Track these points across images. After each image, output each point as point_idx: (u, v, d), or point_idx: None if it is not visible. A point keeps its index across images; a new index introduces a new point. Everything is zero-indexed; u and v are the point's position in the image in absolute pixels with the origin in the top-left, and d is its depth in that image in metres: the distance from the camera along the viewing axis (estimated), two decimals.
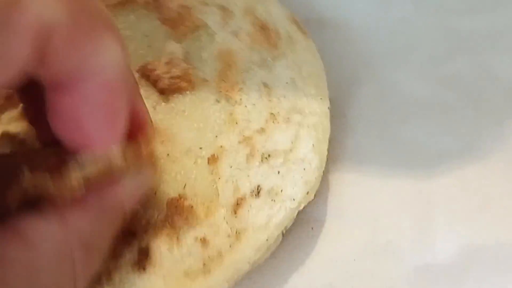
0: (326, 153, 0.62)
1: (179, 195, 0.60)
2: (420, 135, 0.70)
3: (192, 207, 0.60)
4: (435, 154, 0.69)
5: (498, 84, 0.74)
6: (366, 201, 0.65)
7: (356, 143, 0.69)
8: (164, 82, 0.68)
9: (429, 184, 0.66)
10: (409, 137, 0.70)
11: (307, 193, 0.60)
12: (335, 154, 0.69)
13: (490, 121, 0.70)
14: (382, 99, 0.74)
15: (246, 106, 0.64)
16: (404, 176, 0.66)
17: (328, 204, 0.65)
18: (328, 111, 0.64)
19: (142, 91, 0.68)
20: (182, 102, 0.67)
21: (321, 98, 0.64)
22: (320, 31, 0.77)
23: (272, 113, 0.63)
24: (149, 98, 0.68)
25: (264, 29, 0.68)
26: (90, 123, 0.47)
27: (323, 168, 0.62)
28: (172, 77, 0.68)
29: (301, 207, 0.60)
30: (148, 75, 0.69)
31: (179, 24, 0.69)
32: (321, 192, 0.65)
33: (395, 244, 0.62)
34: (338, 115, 0.71)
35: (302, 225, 0.62)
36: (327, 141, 0.63)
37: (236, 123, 0.63)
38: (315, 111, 0.63)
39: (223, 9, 0.70)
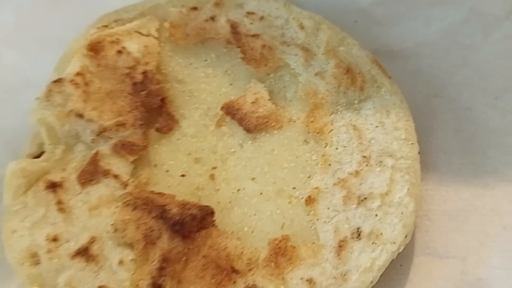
0: (419, 196, 0.62)
1: (282, 236, 0.59)
2: (500, 166, 0.69)
3: (294, 247, 0.59)
4: None
5: None
6: (453, 237, 0.65)
7: (437, 178, 0.69)
8: (251, 121, 0.67)
9: None
10: (490, 168, 0.69)
11: (405, 236, 0.59)
12: None
13: None
14: (459, 130, 0.73)
15: (337, 148, 0.64)
16: (487, 209, 0.66)
17: (416, 240, 0.65)
18: (418, 156, 0.64)
19: (226, 129, 0.67)
20: (270, 141, 0.67)
21: (411, 143, 0.64)
22: (389, 62, 0.75)
23: (364, 156, 0.63)
24: (235, 136, 0.68)
25: (349, 71, 0.67)
26: None
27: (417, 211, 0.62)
28: (259, 117, 0.67)
29: (401, 250, 0.59)
30: (234, 113, 0.68)
31: (262, 64, 0.69)
32: None
33: (485, 283, 0.62)
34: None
35: (392, 262, 0.61)
36: (420, 185, 0.62)
37: (329, 164, 0.63)
38: (407, 155, 0.63)
39: (305, 49, 0.70)
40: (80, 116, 0.64)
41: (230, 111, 0.67)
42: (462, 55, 0.73)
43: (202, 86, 0.70)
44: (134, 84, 0.67)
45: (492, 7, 0.72)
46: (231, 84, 0.70)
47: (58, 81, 0.66)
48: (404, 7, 0.74)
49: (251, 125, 0.66)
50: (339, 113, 0.65)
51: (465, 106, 0.71)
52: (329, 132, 0.64)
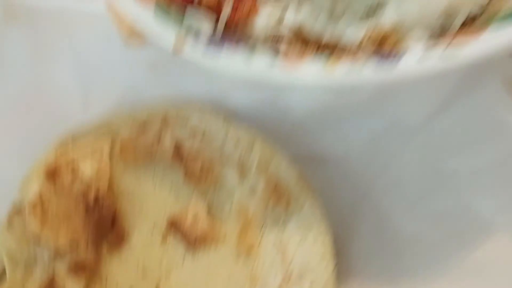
0: None
1: None
2: (411, 273, 0.75)
3: None
4: None
5: (480, 223, 0.76)
6: None
7: (357, 284, 0.74)
8: (191, 237, 0.73)
9: None
10: (405, 274, 0.75)
11: None
12: None
13: (472, 260, 0.75)
14: (379, 234, 0.78)
15: (263, 266, 0.70)
16: None
17: None
18: (334, 271, 0.70)
19: (171, 243, 0.74)
20: (207, 258, 0.73)
21: (328, 258, 0.70)
22: (322, 168, 0.82)
23: (286, 272, 0.69)
24: (177, 251, 0.74)
25: (277, 188, 0.74)
26: None
27: None
28: (198, 233, 0.73)
29: None
30: (176, 228, 0.75)
31: (202, 180, 0.75)
32: None
33: None
34: (341, 253, 0.75)
35: None
36: None
37: (256, 283, 0.69)
38: (322, 271, 0.69)
39: (240, 166, 0.76)
40: (38, 240, 0.71)
41: (173, 226, 0.74)
42: (384, 162, 0.78)
43: (150, 201, 0.76)
44: (87, 205, 0.74)
45: (409, 117, 0.77)
46: (176, 199, 0.76)
47: (17, 208, 0.73)
48: (335, 116, 0.80)
49: (191, 241, 0.73)
50: (267, 230, 0.71)
51: (385, 212, 0.77)
52: (257, 250, 0.70)
